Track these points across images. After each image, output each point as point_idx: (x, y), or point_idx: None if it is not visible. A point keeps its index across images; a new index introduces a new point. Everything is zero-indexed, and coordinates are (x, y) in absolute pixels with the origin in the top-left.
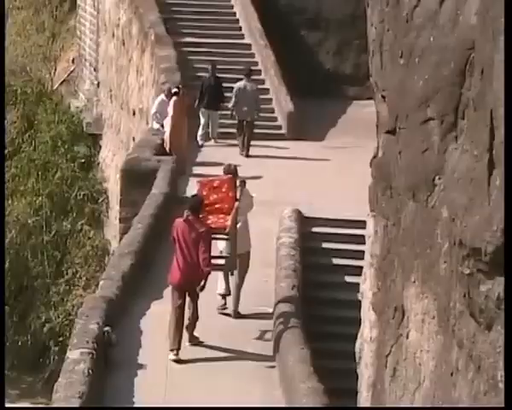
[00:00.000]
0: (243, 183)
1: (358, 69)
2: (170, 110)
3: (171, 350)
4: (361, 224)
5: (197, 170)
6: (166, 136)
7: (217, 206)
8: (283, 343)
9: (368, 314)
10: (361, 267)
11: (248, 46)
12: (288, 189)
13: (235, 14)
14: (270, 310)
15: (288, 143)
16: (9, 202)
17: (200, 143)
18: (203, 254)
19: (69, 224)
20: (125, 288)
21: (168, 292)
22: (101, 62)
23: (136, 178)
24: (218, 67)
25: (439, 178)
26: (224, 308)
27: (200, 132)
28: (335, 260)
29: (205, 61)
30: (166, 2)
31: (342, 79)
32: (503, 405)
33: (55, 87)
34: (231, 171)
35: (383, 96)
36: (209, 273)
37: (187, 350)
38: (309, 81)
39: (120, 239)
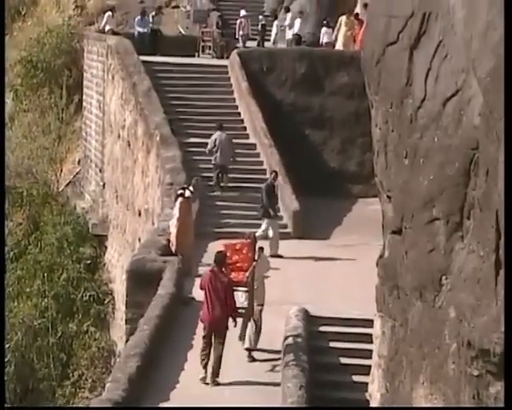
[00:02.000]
0: (261, 249)
1: (363, 167)
2: (176, 211)
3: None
4: (368, 323)
5: (203, 270)
6: (173, 237)
7: (238, 264)
8: None
9: None
10: (369, 366)
11: (253, 145)
12: (295, 288)
13: (239, 113)
14: None
15: (293, 241)
16: (15, 303)
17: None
18: (230, 300)
19: (75, 325)
20: (132, 390)
21: (174, 395)
22: (107, 163)
23: (142, 279)
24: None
25: (446, 278)
26: (252, 359)
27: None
28: (343, 360)
29: (209, 161)
30: (171, 103)
31: (347, 177)
32: None
33: (60, 189)
34: (251, 237)
35: (388, 196)
36: (237, 315)
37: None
38: (314, 180)
39: (127, 341)
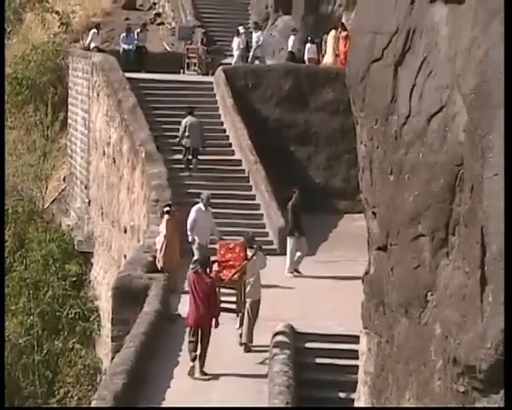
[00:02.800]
0: (260, 247)
1: (348, 183)
2: (162, 228)
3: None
4: (354, 339)
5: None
6: (159, 254)
7: (230, 263)
8: None
9: None
10: (355, 383)
11: (239, 162)
12: (281, 304)
13: (224, 130)
14: None
15: (279, 258)
16: None
17: (289, 272)
18: (213, 300)
19: (60, 343)
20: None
21: None
22: (92, 180)
23: (127, 296)
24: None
25: (432, 295)
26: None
27: (288, 263)
28: (329, 376)
29: (195, 178)
30: (156, 119)
31: (332, 193)
32: None
33: (46, 206)
34: (247, 238)
35: (374, 213)
36: (218, 315)
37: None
38: (299, 196)
39: (112, 358)
